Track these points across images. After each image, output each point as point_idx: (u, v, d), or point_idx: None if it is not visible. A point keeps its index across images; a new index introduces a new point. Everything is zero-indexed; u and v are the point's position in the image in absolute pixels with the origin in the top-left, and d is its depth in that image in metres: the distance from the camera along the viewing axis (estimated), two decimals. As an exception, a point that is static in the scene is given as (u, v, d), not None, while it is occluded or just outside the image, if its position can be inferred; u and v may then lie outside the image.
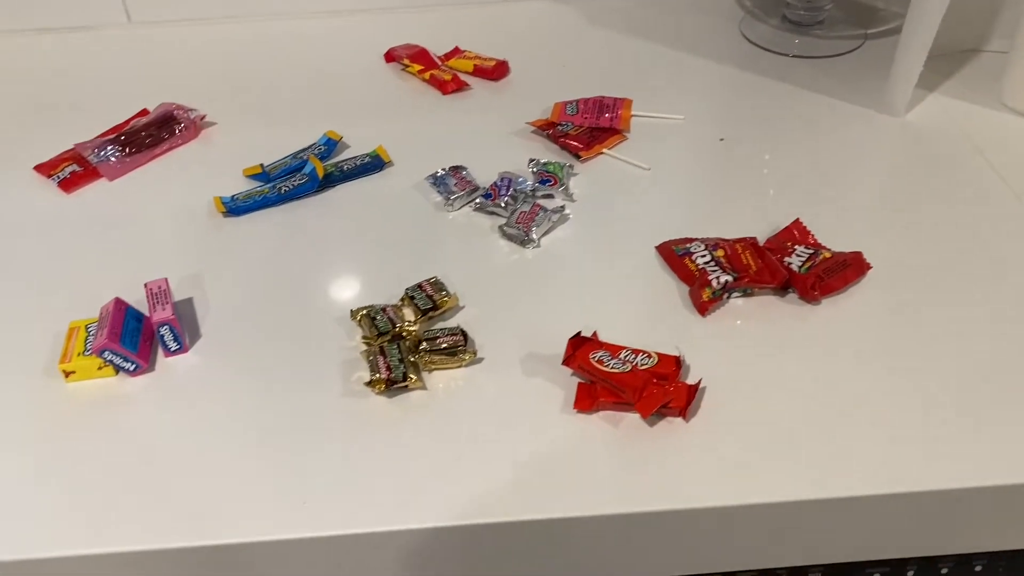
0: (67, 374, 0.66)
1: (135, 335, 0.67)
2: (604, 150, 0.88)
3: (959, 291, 0.71)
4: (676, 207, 0.81)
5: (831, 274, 0.71)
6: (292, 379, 0.66)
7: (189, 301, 0.73)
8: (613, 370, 0.62)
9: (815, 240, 0.75)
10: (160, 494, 0.59)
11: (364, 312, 0.69)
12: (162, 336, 0.67)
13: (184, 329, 0.69)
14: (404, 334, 0.68)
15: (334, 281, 0.75)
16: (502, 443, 0.61)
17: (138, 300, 0.70)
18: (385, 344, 0.67)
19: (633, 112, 0.93)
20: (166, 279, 0.70)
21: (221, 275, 0.76)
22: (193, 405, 0.65)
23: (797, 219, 0.77)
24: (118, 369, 0.66)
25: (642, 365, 0.63)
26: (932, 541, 0.62)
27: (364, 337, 0.68)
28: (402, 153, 0.89)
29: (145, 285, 0.70)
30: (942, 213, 0.79)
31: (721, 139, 0.89)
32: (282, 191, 0.84)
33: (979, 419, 0.61)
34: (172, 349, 0.68)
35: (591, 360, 0.63)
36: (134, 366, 0.66)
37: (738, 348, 0.67)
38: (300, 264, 0.77)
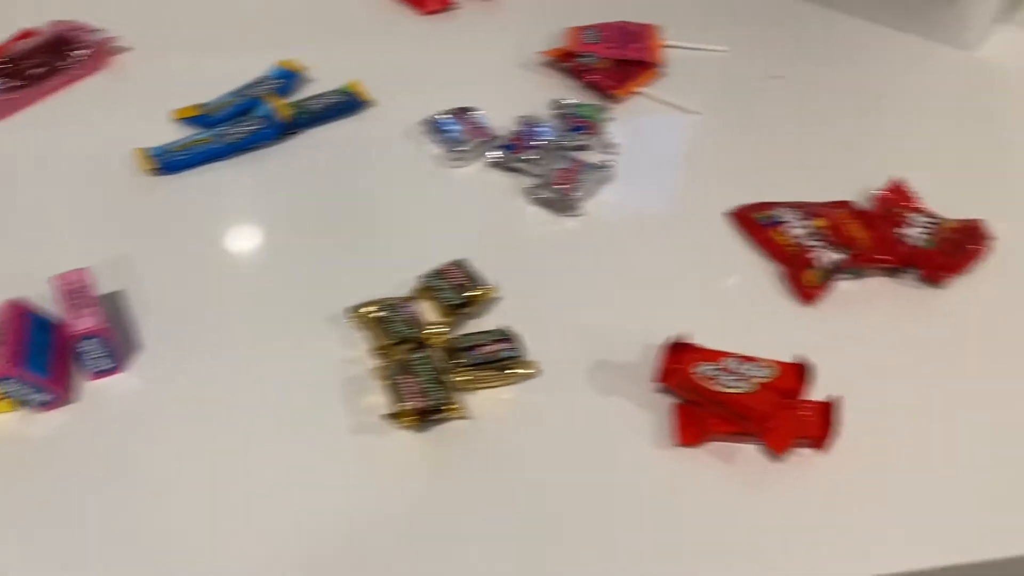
0: (-58, 413, 0.45)
1: (42, 352, 0.46)
2: (638, 88, 0.71)
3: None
4: (739, 162, 0.65)
5: (959, 249, 0.57)
6: (271, 409, 0.48)
7: (114, 296, 0.53)
8: (729, 390, 0.46)
9: (923, 205, 0.61)
10: None
11: (372, 311, 0.51)
12: (85, 353, 0.47)
13: (117, 340, 0.49)
14: (429, 342, 0.50)
15: (315, 264, 0.56)
16: (579, 493, 0.45)
17: (38, 296, 0.50)
18: (408, 357, 0.49)
19: (665, 42, 0.75)
20: (86, 270, 0.49)
21: (157, 257, 0.56)
22: (133, 451, 0.45)
23: (897, 179, 0.62)
24: (23, 403, 0.46)
25: (758, 378, 0.47)
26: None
27: (379, 347, 0.49)
28: (381, 90, 0.69)
29: (54, 280, 0.49)
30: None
31: (775, 76, 0.73)
32: (231, 139, 0.63)
33: None
34: (100, 369, 0.48)
35: (694, 376, 0.47)
36: (47, 397, 0.46)
37: (866, 348, 0.52)
38: (264, 239, 0.58)
